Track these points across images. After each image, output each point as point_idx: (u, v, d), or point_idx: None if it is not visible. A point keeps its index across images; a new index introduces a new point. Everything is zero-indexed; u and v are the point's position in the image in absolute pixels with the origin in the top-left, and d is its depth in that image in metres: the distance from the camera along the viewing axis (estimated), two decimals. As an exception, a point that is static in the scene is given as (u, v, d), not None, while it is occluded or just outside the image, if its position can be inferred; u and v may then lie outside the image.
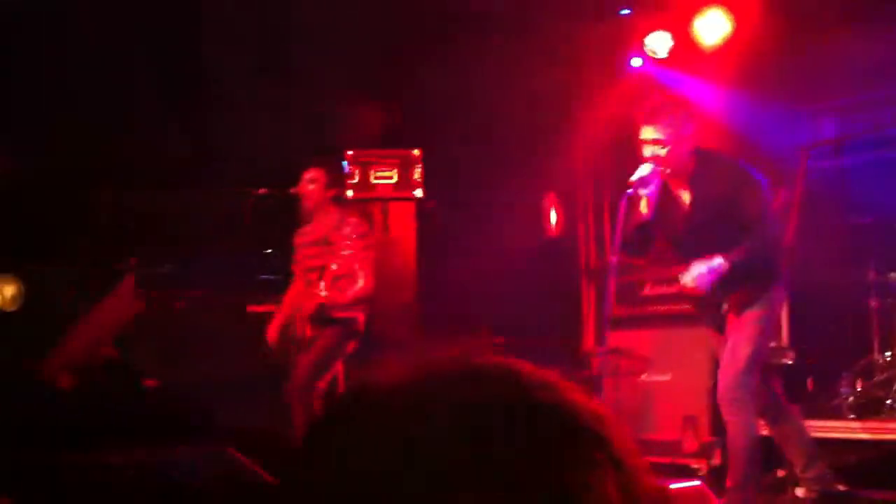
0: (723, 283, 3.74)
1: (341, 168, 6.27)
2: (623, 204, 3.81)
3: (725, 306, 3.92)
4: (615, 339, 5.80)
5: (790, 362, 4.93)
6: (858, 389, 4.83)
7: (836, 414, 4.76)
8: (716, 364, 4.23)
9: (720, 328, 4.04)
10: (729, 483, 3.77)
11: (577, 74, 6.90)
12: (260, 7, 6.77)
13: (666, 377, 5.02)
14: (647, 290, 5.64)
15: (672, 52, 6.37)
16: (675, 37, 6.35)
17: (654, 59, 6.41)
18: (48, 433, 3.50)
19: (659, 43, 6.43)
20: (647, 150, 3.78)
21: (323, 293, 5.11)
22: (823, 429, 4.57)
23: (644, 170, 3.77)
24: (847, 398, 4.77)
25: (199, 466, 3.15)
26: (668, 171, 3.80)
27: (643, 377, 5.18)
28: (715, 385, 4.18)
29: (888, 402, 4.75)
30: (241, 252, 6.11)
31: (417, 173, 6.36)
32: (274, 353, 5.36)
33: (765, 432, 4.03)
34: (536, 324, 6.40)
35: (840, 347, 5.17)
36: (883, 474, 4.36)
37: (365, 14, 6.47)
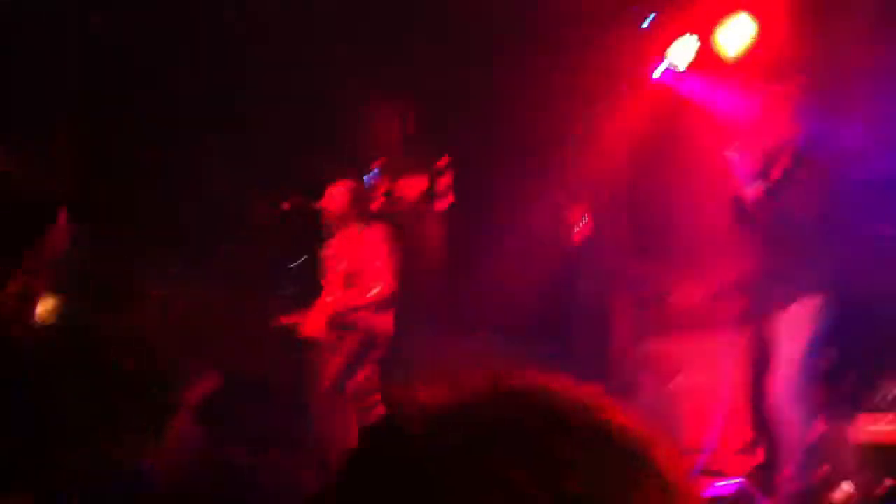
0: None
1: (363, 179, 6.29)
2: None
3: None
4: (645, 344, 5.81)
5: (831, 362, 4.91)
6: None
7: (879, 412, 4.74)
8: (754, 363, 4.22)
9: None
10: (780, 479, 3.75)
11: (600, 84, 6.93)
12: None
13: (698, 380, 5.00)
14: (675, 296, 5.63)
15: (694, 61, 6.40)
16: (698, 45, 6.37)
17: (676, 71, 6.43)
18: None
19: (681, 53, 6.45)
20: None
21: (346, 296, 5.19)
22: (866, 428, 4.54)
23: None
24: (887, 396, 4.75)
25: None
26: None
27: (674, 383, 5.16)
28: (756, 384, 4.18)
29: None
30: (266, 264, 6.11)
31: (445, 181, 6.37)
32: (304, 359, 5.39)
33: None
34: (566, 330, 6.39)
35: (880, 345, 5.15)
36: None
37: (379, 20, 6.49)
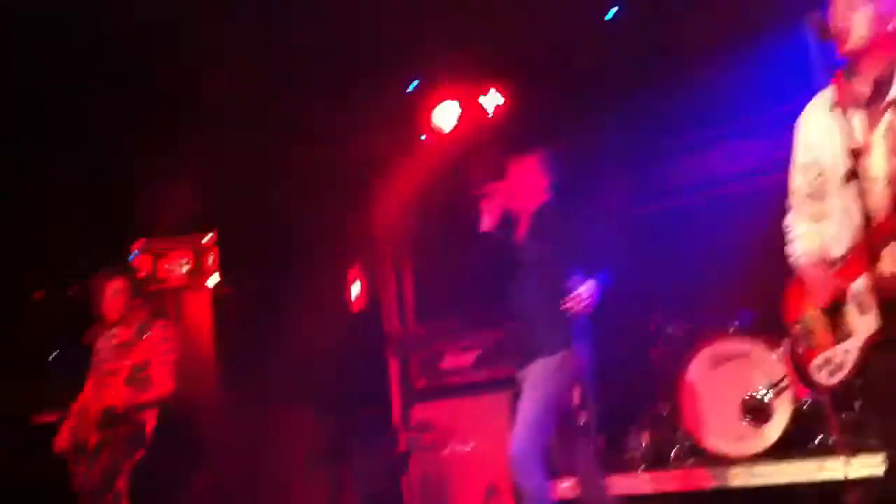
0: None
1: (129, 257, 6.08)
2: None
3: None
4: (419, 411, 5.88)
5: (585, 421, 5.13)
6: (644, 444, 5.09)
7: (628, 467, 4.99)
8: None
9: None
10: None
11: (371, 146, 7.01)
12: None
13: (468, 447, 5.10)
14: (447, 362, 5.74)
15: (458, 124, 6.63)
16: (462, 108, 6.61)
17: (441, 132, 6.63)
18: None
19: (445, 116, 6.67)
20: None
21: (117, 393, 4.95)
22: (619, 484, 4.76)
23: None
24: (636, 452, 5.02)
25: None
26: None
27: (447, 449, 5.24)
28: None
29: (672, 453, 5.02)
30: (22, 357, 5.76)
31: (211, 259, 6.23)
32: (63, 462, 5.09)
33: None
34: (348, 400, 6.37)
35: (627, 402, 5.43)
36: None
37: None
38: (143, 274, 6.06)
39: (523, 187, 4.26)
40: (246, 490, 6.17)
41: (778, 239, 2.96)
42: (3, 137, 6.08)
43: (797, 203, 2.86)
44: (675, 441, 5.02)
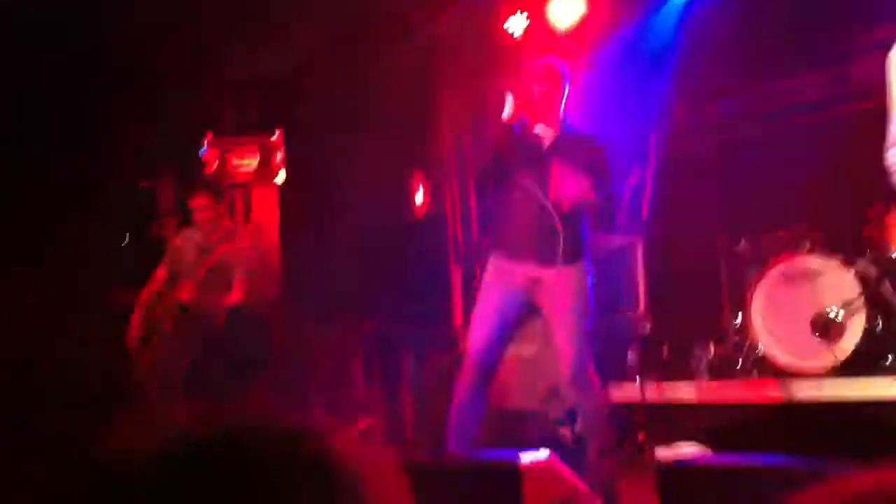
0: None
1: (197, 152, 6.13)
2: None
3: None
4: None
5: (647, 330, 5.11)
6: (710, 355, 5.06)
7: (691, 377, 4.97)
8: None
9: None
10: (591, 451, 3.83)
11: (439, 56, 6.92)
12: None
13: (531, 349, 5.10)
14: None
15: (528, 33, 6.49)
16: (530, 18, 6.47)
17: (513, 40, 6.50)
18: None
19: (516, 25, 6.54)
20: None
21: (190, 292, 5.09)
22: (682, 391, 4.75)
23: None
24: (701, 361, 4.99)
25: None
26: None
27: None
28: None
29: (738, 365, 4.98)
30: (100, 242, 5.88)
31: (279, 158, 6.25)
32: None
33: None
34: (406, 305, 6.40)
35: (693, 314, 5.39)
36: (736, 435, 4.57)
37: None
38: (211, 168, 6.11)
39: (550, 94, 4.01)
40: (299, 396, 6.26)
41: (854, 163, 2.95)
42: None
43: None
44: (741, 353, 4.98)
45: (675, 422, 4.57)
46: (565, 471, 3.20)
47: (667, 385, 4.73)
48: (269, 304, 5.96)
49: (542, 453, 3.13)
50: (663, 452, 4.35)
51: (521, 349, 5.09)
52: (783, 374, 4.72)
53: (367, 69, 6.45)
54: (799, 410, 4.52)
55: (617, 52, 6.27)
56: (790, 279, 4.92)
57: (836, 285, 4.75)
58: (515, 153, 3.80)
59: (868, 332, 4.62)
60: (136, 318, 5.22)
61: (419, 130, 6.91)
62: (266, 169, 6.23)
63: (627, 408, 4.56)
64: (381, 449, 0.74)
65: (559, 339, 3.81)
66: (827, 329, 4.71)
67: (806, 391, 4.56)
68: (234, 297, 5.16)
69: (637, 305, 5.34)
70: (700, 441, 4.34)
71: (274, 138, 6.29)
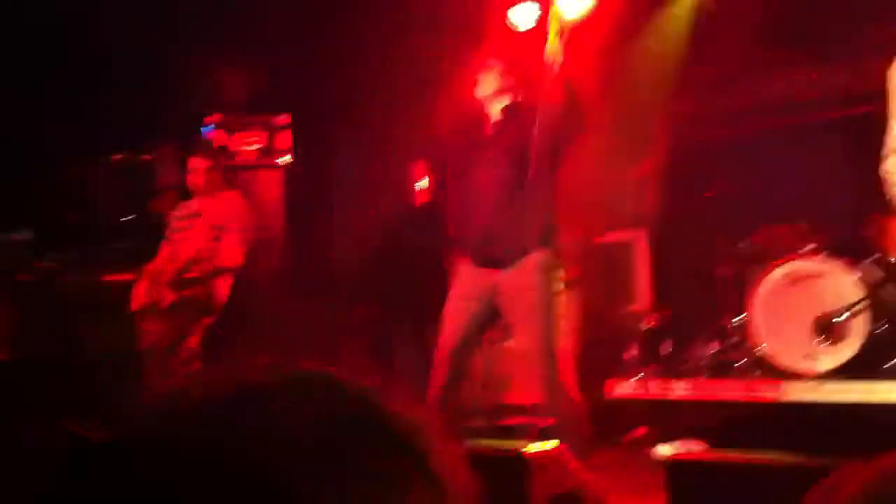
0: None
1: (201, 134, 6.09)
2: None
3: None
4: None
5: (653, 324, 5.11)
6: (710, 354, 5.07)
7: (691, 374, 4.97)
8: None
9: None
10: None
11: (443, 42, 6.88)
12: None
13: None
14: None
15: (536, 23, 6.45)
16: (540, 8, 6.42)
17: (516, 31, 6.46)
18: None
19: (523, 15, 6.49)
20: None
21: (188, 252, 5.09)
22: (681, 388, 4.75)
23: None
24: (701, 360, 5.00)
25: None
26: None
27: (507, 343, 5.24)
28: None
29: (737, 364, 4.99)
30: (96, 220, 5.84)
31: (284, 140, 6.22)
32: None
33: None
34: (406, 292, 6.39)
35: (693, 312, 5.39)
36: (736, 432, 4.58)
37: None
38: (216, 147, 6.08)
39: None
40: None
41: (858, 167, 2.96)
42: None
43: None
44: (741, 353, 4.98)
45: (675, 419, 4.58)
46: (572, 461, 3.19)
47: (668, 381, 4.72)
48: (270, 275, 5.95)
49: (549, 443, 3.13)
50: (663, 449, 4.37)
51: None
52: (782, 375, 4.73)
53: (374, 49, 6.42)
54: (798, 411, 4.53)
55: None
56: (793, 281, 4.92)
57: (840, 288, 4.76)
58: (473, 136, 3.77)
59: (871, 336, 4.64)
60: (141, 289, 5.20)
61: (424, 117, 6.88)
62: (271, 150, 6.20)
63: (628, 403, 4.56)
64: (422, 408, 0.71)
65: (522, 344, 3.70)
66: (830, 332, 4.72)
67: (806, 393, 4.57)
68: (232, 259, 5.12)
69: (640, 300, 5.33)
70: (700, 438, 4.35)
71: (280, 119, 6.26)
